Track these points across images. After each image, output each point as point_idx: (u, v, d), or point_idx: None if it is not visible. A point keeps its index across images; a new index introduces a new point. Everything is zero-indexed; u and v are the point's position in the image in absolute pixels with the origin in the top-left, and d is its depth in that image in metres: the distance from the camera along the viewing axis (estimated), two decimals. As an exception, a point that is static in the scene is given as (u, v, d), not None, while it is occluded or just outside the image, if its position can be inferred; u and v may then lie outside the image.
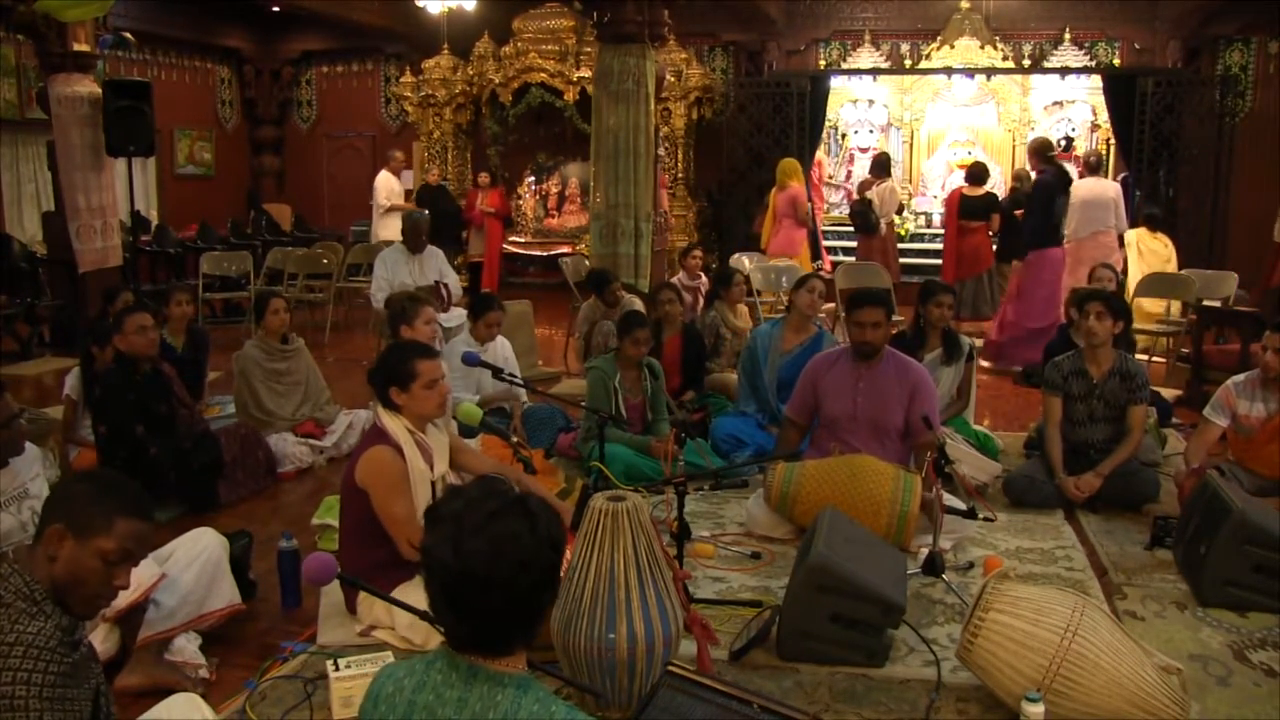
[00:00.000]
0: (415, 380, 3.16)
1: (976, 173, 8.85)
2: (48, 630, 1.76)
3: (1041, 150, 7.68)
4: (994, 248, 8.87)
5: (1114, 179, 10.31)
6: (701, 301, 6.94)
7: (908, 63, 11.70)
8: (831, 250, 10.63)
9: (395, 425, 3.17)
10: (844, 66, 11.83)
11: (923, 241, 11.01)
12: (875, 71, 11.68)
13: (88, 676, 1.86)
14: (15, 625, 1.74)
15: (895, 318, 7.85)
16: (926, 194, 11.61)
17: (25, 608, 1.77)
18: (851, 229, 10.53)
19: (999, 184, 10.44)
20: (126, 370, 4.50)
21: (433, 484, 3.20)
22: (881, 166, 9.58)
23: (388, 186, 10.68)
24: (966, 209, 8.64)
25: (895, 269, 9.14)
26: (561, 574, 2.84)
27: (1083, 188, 8.14)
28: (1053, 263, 7.34)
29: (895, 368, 4.20)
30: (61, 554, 1.81)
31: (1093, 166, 8.43)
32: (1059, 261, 7.37)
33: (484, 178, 11.20)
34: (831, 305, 7.68)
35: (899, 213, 9.93)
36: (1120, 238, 8.10)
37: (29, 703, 1.67)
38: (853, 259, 9.39)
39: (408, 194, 10.59)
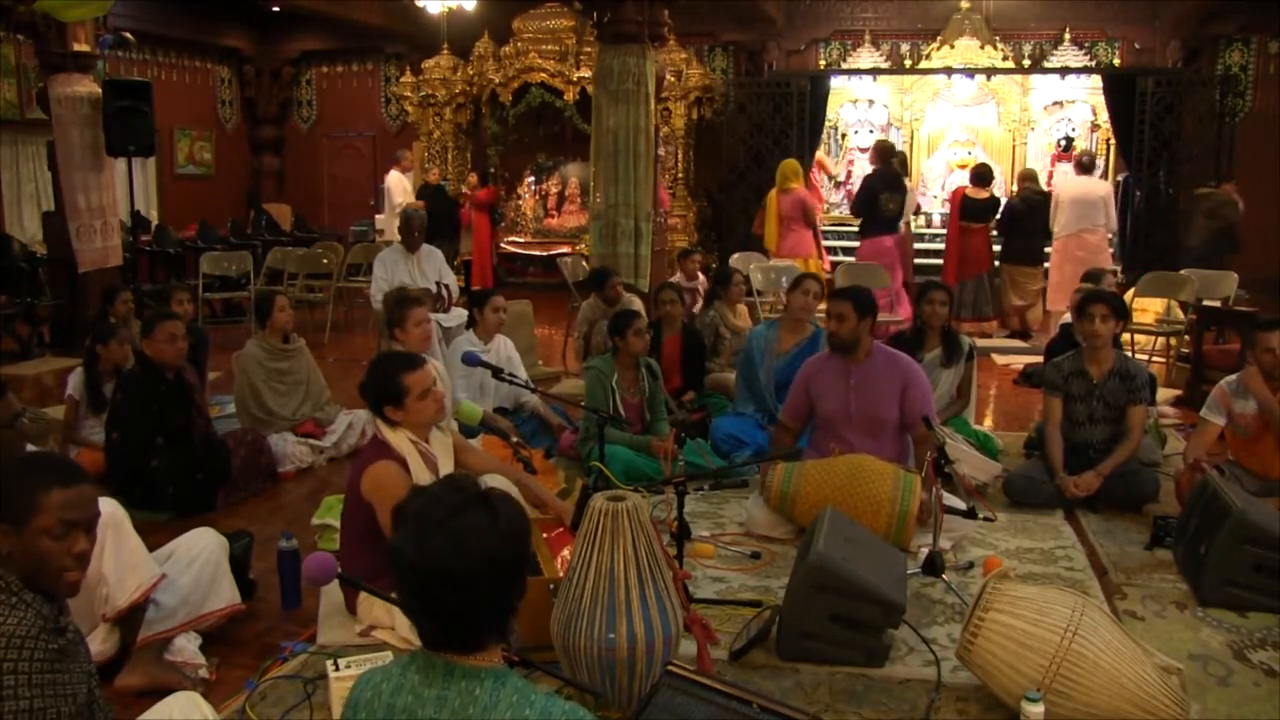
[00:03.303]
0: (407, 395, 3.13)
1: (981, 174, 8.84)
2: (28, 619, 1.79)
3: (879, 152, 8.82)
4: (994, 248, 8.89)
5: (1113, 179, 10.34)
6: (700, 303, 6.93)
7: (908, 63, 11.71)
8: (831, 250, 10.62)
9: (397, 439, 3.15)
10: (844, 66, 11.85)
11: (922, 241, 10.99)
12: (875, 71, 11.68)
13: (77, 658, 1.89)
14: None
15: (896, 318, 7.94)
16: (927, 194, 11.60)
17: (3, 599, 1.80)
18: (850, 229, 10.54)
19: (1000, 184, 10.45)
20: (152, 378, 4.38)
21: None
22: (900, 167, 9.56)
23: (401, 185, 10.69)
24: (969, 210, 8.64)
25: (910, 269, 9.13)
26: (533, 566, 2.88)
27: (1071, 186, 8.29)
28: (883, 249, 8.30)
29: (884, 362, 4.22)
30: (11, 548, 1.83)
31: (1085, 166, 8.59)
32: (889, 249, 8.31)
33: (472, 178, 11.15)
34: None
35: (915, 213, 9.93)
36: (1110, 238, 8.22)
37: (18, 690, 1.73)
38: (853, 259, 9.37)
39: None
